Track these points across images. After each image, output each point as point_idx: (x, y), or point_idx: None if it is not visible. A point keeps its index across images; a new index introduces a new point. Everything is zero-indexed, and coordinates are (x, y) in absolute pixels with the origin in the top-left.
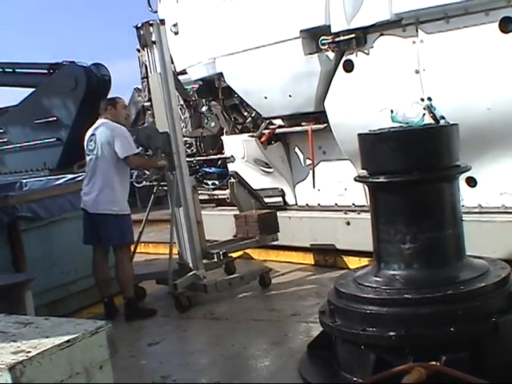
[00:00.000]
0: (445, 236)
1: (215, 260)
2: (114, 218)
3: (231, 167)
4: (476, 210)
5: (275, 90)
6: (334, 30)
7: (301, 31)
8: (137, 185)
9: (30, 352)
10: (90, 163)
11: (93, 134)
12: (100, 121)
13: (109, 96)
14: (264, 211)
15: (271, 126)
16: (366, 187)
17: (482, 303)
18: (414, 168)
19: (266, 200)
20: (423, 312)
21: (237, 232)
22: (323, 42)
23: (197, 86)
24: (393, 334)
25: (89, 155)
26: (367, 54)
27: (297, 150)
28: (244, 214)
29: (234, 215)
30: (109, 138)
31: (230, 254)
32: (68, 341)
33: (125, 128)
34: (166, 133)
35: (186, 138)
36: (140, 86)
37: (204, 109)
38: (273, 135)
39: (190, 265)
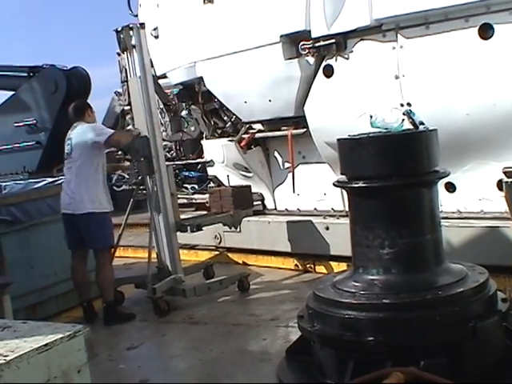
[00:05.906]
0: (423, 241)
1: (188, 232)
2: (96, 218)
3: (211, 171)
4: (455, 216)
5: (255, 94)
6: (314, 35)
7: (281, 36)
8: (116, 189)
9: (7, 356)
10: (68, 166)
11: (69, 138)
12: (75, 124)
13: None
14: (238, 186)
15: (251, 131)
16: (345, 192)
17: (460, 308)
18: (393, 173)
19: None
20: (402, 317)
21: (211, 207)
22: (303, 46)
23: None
24: (371, 338)
25: (66, 159)
26: (347, 59)
27: (276, 154)
28: (218, 188)
29: (208, 191)
30: (82, 136)
31: (208, 260)
32: (46, 345)
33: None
34: (146, 137)
35: (165, 142)
36: (120, 90)
37: (184, 113)
38: (252, 140)
39: (170, 269)
